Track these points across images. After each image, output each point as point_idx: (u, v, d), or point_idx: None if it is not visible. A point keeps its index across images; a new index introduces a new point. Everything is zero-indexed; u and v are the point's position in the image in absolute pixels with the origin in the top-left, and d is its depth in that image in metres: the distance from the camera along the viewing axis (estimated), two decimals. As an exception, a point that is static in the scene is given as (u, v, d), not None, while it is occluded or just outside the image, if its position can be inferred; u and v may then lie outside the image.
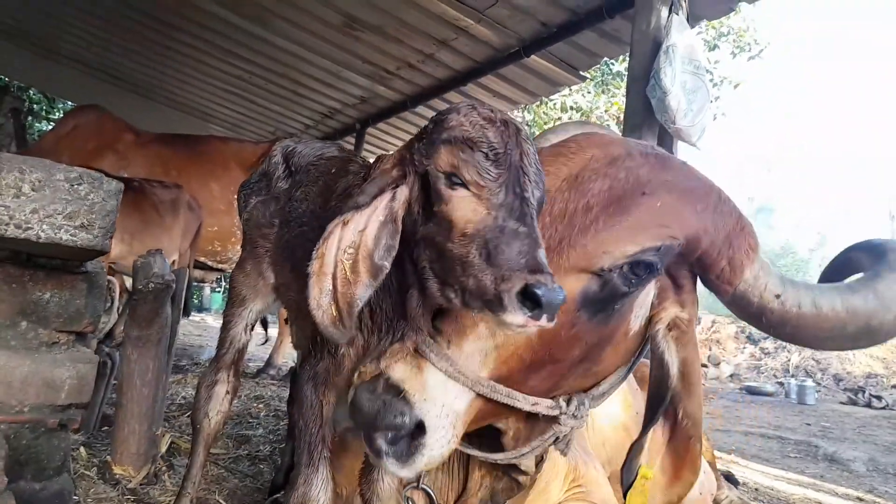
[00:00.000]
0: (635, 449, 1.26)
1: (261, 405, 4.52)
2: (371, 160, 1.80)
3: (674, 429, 1.26)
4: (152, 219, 4.32)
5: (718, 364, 13.40)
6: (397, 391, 1.09)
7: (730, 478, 3.22)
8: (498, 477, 1.49)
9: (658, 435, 1.26)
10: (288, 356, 6.32)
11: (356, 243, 1.09)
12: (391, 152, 1.18)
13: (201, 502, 2.52)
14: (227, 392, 2.03)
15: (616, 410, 1.93)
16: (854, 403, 10.55)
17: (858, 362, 12.61)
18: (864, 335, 1.17)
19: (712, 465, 2.63)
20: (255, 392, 5.05)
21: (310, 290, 1.07)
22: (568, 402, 1.25)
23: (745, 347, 14.79)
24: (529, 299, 0.91)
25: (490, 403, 1.15)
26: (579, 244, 1.15)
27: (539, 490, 1.45)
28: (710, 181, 1.30)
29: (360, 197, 1.12)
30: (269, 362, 6.08)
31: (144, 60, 7.11)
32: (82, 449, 2.78)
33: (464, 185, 1.04)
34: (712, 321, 15.27)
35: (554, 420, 1.25)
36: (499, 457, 1.29)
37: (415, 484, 1.51)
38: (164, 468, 2.78)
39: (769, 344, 14.56)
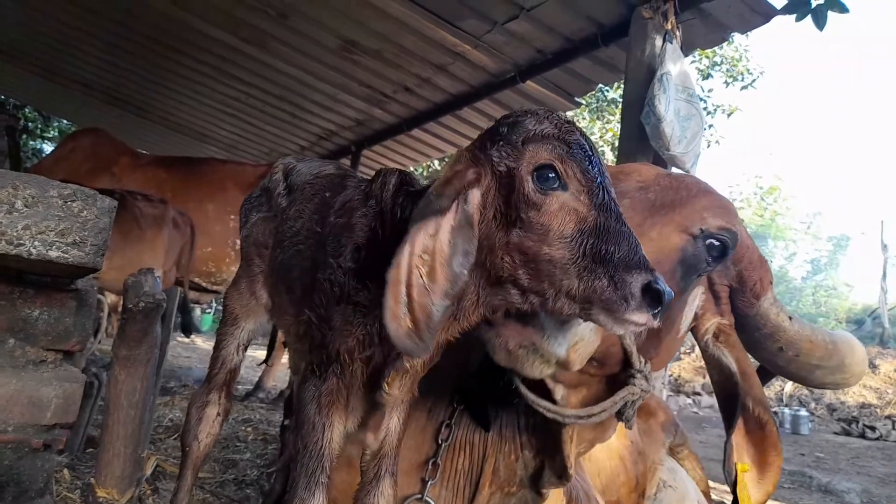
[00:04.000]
0: (727, 450, 1.37)
1: (249, 429, 4.46)
2: (367, 176, 1.76)
3: (747, 420, 1.39)
4: (132, 232, 4.14)
5: (713, 393, 13.33)
6: None
7: (724, 507, 3.18)
8: (510, 493, 1.46)
9: (738, 437, 1.38)
10: (278, 379, 6.24)
11: (431, 248, 1.02)
12: (456, 153, 1.14)
13: (187, 527, 2.46)
14: (219, 414, 1.97)
15: (611, 440, 1.91)
16: (848, 434, 10.50)
17: (852, 392, 12.57)
18: (839, 370, 1.44)
19: (707, 494, 2.60)
20: (244, 415, 4.98)
21: (385, 299, 1.00)
22: (645, 363, 1.30)
23: (738, 375, 14.70)
24: (651, 296, 0.92)
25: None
26: (686, 207, 1.35)
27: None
28: None
29: (439, 200, 1.04)
30: (258, 385, 6.01)
31: (143, 81, 7.13)
32: (66, 471, 2.72)
33: (558, 187, 1.02)
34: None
35: (628, 379, 1.29)
36: (569, 413, 1.29)
37: (418, 496, 1.47)
38: (148, 492, 2.73)
39: (762, 372, 14.51)
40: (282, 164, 2.01)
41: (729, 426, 1.39)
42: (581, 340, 1.13)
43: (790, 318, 1.42)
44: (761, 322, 1.42)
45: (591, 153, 1.04)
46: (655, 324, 0.94)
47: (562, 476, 1.39)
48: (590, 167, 1.03)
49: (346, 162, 7.84)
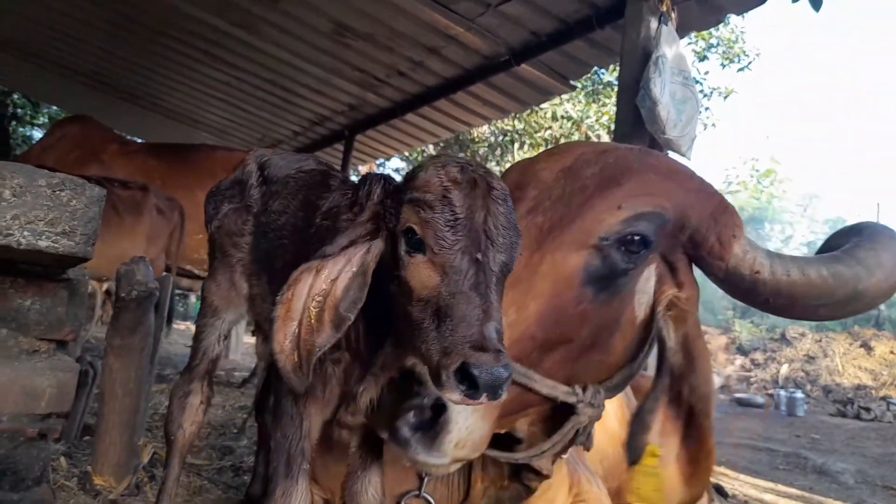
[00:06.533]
0: (636, 422, 1.25)
1: (245, 415, 4.46)
2: (350, 176, 1.79)
3: (681, 410, 1.25)
4: (110, 219, 4.00)
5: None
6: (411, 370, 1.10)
7: (720, 490, 3.20)
8: (504, 487, 1.47)
9: (667, 426, 1.25)
10: (275, 365, 6.24)
11: (326, 291, 1.10)
12: (369, 203, 1.20)
13: (184, 514, 2.47)
14: (202, 402, 2.01)
15: (614, 427, 1.92)
16: (843, 415, 10.61)
17: (847, 374, 12.68)
18: (853, 299, 1.22)
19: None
20: (240, 402, 4.99)
21: (274, 334, 1.07)
22: (584, 390, 1.25)
23: (735, 359, 14.83)
24: (467, 378, 0.91)
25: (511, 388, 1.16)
26: (578, 219, 1.22)
27: (546, 500, 1.43)
28: (692, 169, 1.37)
29: (329, 247, 1.13)
30: (254, 372, 6.01)
31: (132, 66, 7.05)
32: (62, 459, 2.72)
33: (421, 250, 1.03)
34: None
35: (571, 410, 1.25)
36: (520, 455, 1.28)
37: (415, 492, 1.48)
38: (145, 479, 2.73)
39: (759, 356, 14.63)
40: (255, 156, 2.05)
41: (648, 397, 1.27)
42: (466, 435, 1.10)
43: (770, 264, 1.23)
44: (738, 280, 1.25)
45: (458, 216, 1.02)
46: (482, 402, 0.92)
47: (537, 474, 1.40)
48: (450, 232, 1.01)
49: (339, 147, 7.80)
